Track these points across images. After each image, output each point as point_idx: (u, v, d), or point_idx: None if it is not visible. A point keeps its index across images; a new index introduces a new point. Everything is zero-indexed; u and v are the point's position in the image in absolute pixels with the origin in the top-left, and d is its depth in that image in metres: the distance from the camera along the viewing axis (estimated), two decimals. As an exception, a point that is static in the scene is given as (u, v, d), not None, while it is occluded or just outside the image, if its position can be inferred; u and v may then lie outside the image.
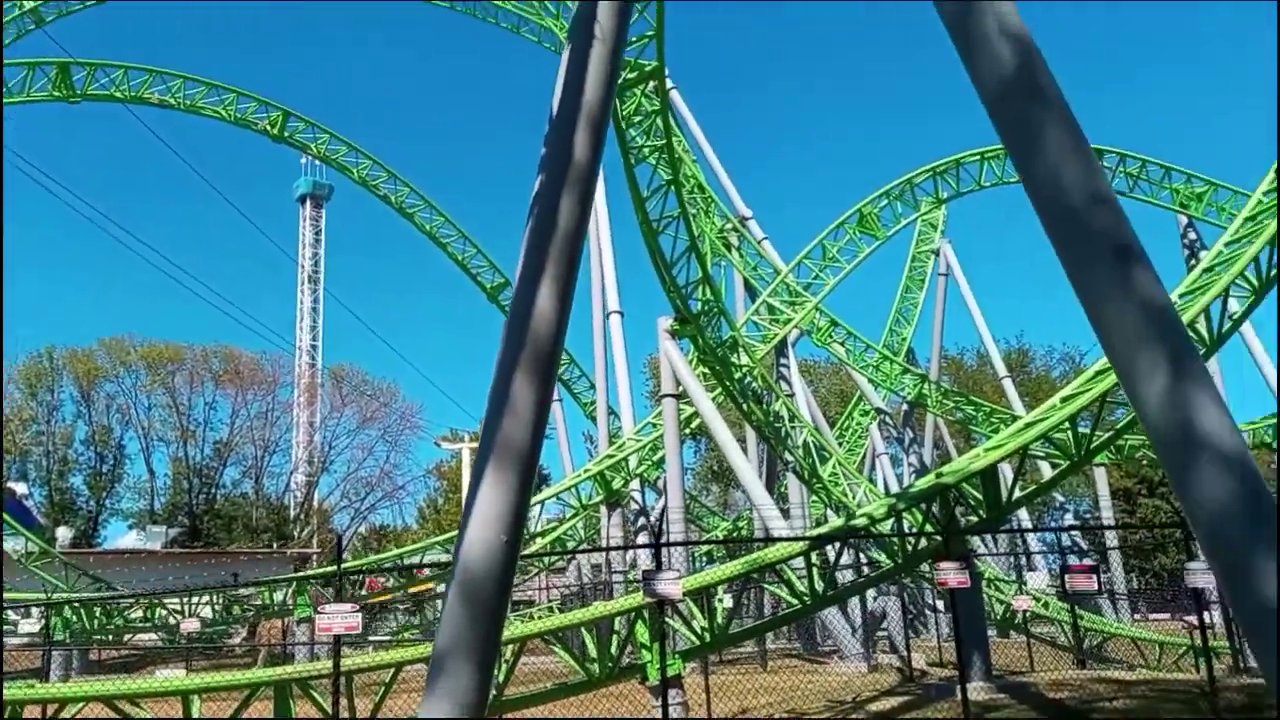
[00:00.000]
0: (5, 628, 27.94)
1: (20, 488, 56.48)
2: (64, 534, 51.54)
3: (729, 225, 33.32)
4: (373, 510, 65.49)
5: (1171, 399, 5.46)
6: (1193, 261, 32.11)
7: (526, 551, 28.97)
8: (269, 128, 33.64)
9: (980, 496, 14.71)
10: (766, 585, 15.12)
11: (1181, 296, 19.37)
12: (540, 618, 22.48)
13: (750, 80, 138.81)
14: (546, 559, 31.21)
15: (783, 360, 31.67)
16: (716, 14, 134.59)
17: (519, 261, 6.85)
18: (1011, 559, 35.50)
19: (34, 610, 29.93)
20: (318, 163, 46.46)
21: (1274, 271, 19.03)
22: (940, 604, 29.18)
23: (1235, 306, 19.55)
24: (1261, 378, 32.36)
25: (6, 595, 27.63)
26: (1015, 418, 29.59)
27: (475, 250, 40.03)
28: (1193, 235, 33.58)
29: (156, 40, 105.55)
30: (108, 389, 63.45)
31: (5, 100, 27.50)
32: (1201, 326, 18.04)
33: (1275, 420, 34.15)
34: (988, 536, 30.14)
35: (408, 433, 65.86)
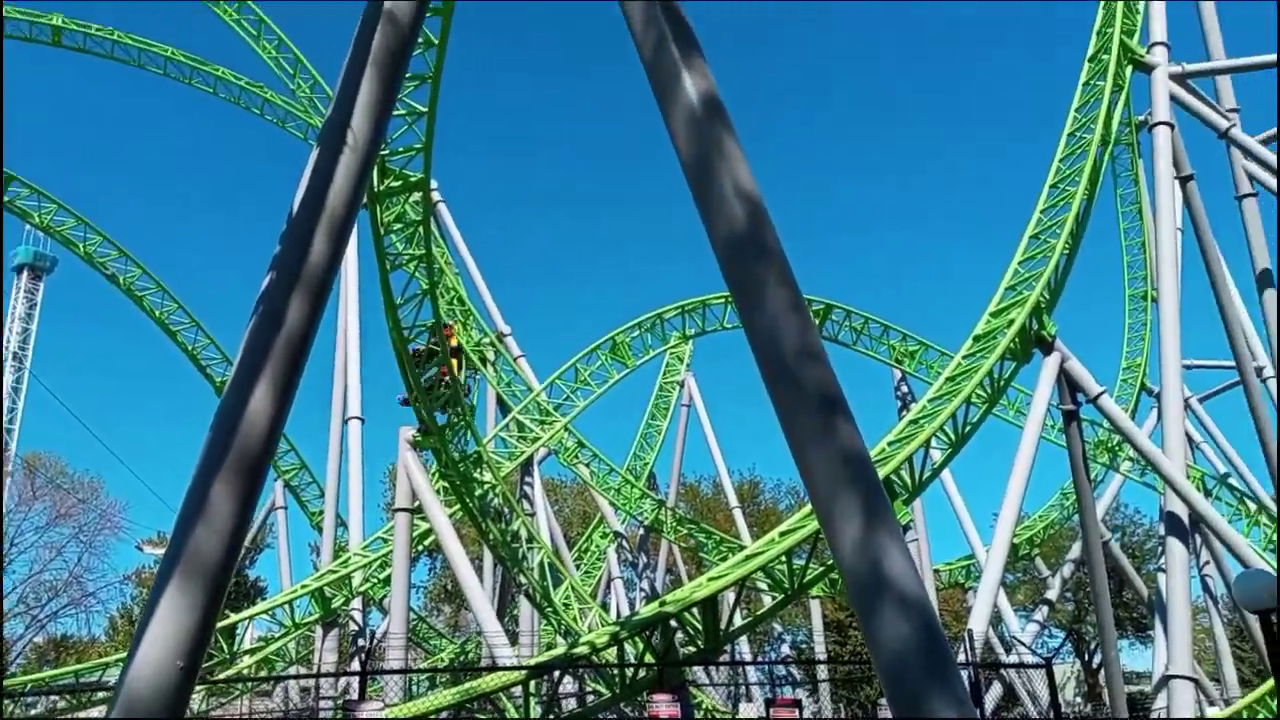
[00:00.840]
0: None
1: None
2: None
3: (486, 339, 33.34)
4: (54, 618, 57.92)
5: (862, 543, 5.85)
6: (904, 412, 35.33)
7: (228, 673, 26.49)
8: (-13, 192, 30.52)
9: (700, 625, 15.05)
10: (479, 717, 14.58)
11: (890, 444, 21.12)
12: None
13: (518, 202, 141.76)
14: (251, 682, 28.63)
15: (527, 478, 31.58)
16: (493, 137, 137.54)
17: (236, 359, 6.46)
18: (730, 690, 36.37)
19: None
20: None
21: (968, 428, 21.25)
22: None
23: (937, 456, 21.57)
24: (958, 523, 35.63)
25: None
26: (742, 547, 30.83)
27: (208, 341, 37.58)
28: (905, 389, 37.03)
29: None
30: None
31: None
32: (905, 474, 19.71)
33: (966, 563, 37.63)
34: (711, 666, 30.80)
35: (106, 533, 59.27)
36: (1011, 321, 21.60)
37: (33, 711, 26.65)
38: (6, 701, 23.28)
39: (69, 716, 27.42)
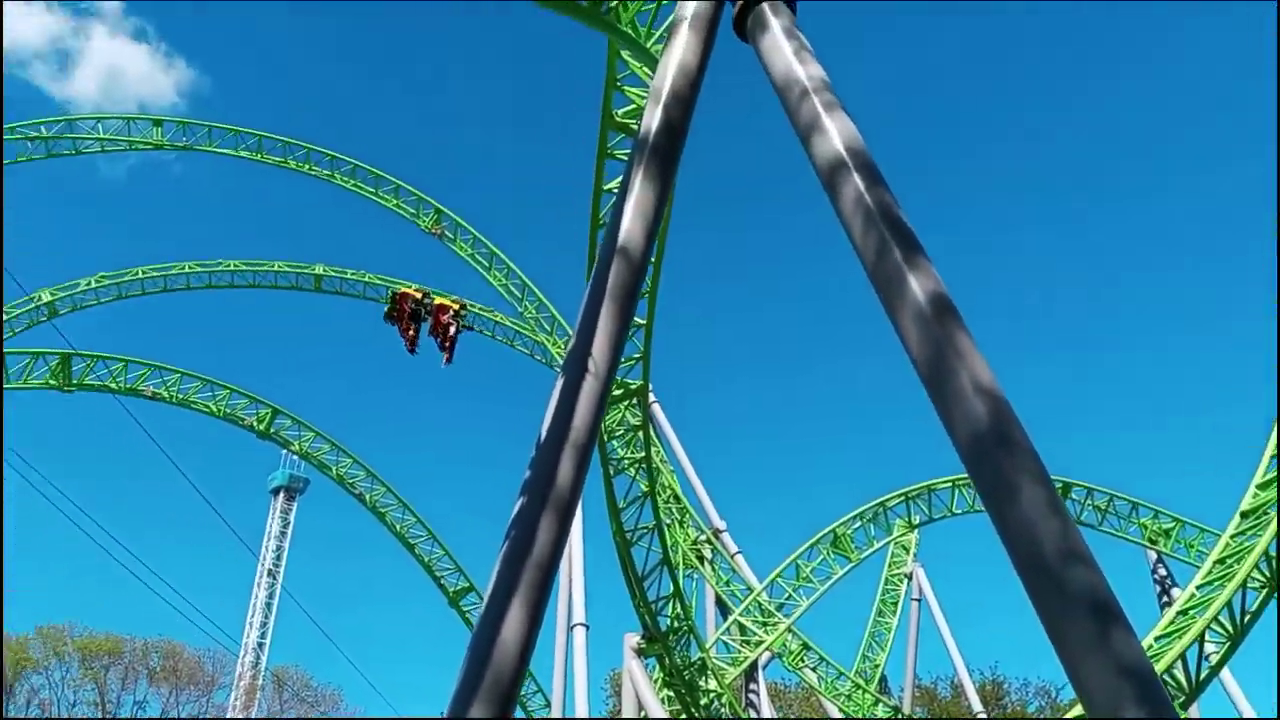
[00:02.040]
0: None
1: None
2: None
3: (703, 537, 33.19)
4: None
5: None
6: (1165, 598, 31.92)
7: None
8: (256, 424, 34.20)
9: None
10: None
11: (1158, 639, 19.11)
12: None
13: (726, 395, 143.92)
14: None
15: (752, 685, 30.38)
16: (701, 331, 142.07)
17: (489, 584, 6.70)
18: None
19: None
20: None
21: (1247, 618, 18.93)
22: None
23: (1212, 649, 19.23)
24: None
25: None
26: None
27: (443, 552, 39.43)
28: (1163, 571, 33.65)
29: (151, 332, 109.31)
30: (35, 681, 59.50)
31: (8, 385, 27.91)
32: (1179, 673, 17.64)
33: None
34: None
35: (347, 745, 61.44)
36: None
37: None
38: None
39: None
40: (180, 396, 32.39)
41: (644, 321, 17.48)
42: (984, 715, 39.91)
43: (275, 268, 38.75)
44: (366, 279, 38.53)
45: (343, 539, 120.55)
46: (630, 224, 7.84)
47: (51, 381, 28.97)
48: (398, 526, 38.50)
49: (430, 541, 39.27)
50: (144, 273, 37.51)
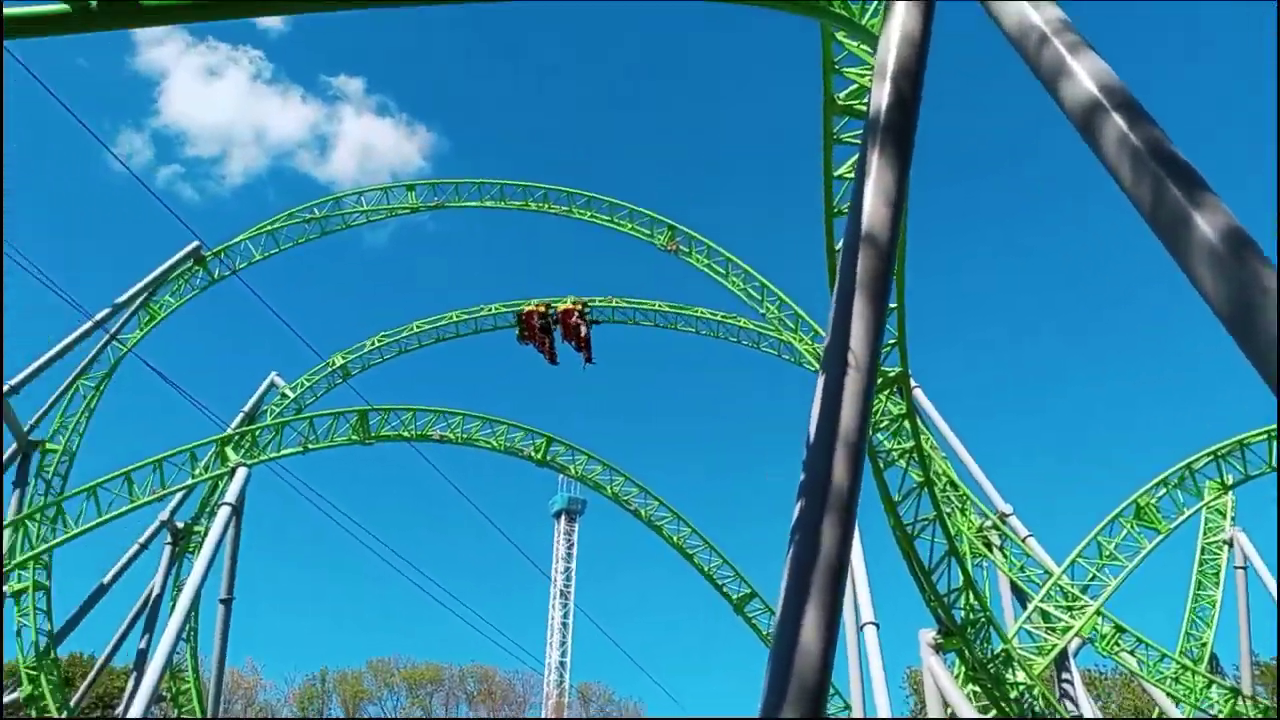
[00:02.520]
0: None
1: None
2: None
3: (988, 523, 31.61)
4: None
5: None
6: None
7: None
8: (534, 454, 36.16)
9: None
10: None
11: None
12: None
13: (993, 371, 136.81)
14: None
15: (1064, 674, 28.44)
16: (958, 314, 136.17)
17: (781, 593, 6.64)
18: None
19: None
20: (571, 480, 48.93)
21: None
22: None
23: None
24: None
25: None
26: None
27: (721, 560, 39.84)
28: None
29: (431, 379, 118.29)
30: (371, 710, 65.76)
31: (314, 445, 31.26)
32: None
33: None
34: None
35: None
36: None
37: None
38: None
39: None
40: (464, 436, 34.82)
41: (894, 305, 16.90)
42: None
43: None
44: (615, 303, 39.92)
45: (625, 555, 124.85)
46: (872, 208, 7.58)
47: (354, 436, 31.99)
48: (675, 538, 39.29)
49: (708, 551, 39.79)
50: (419, 327, 41.25)
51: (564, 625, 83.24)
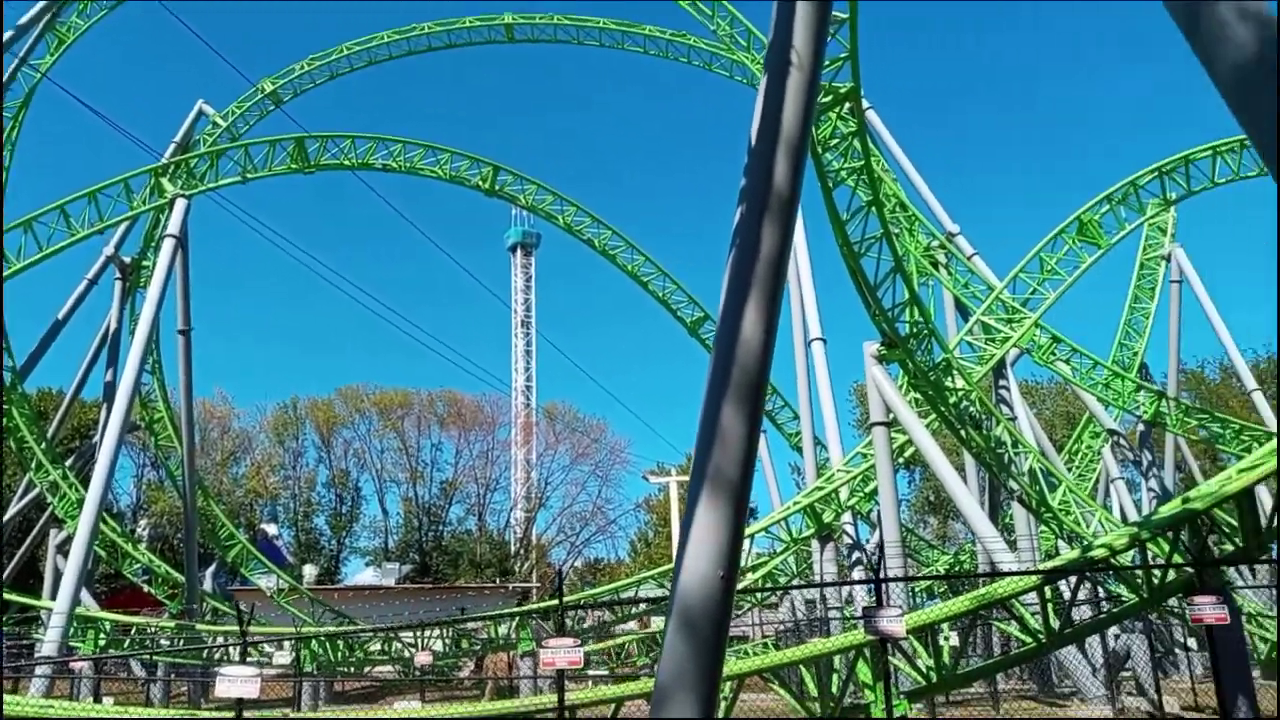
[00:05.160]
0: (260, 659, 30.43)
1: (271, 529, 61.83)
2: (310, 571, 55.98)
3: (935, 243, 32.20)
4: (587, 544, 67.27)
5: None
6: None
7: (739, 586, 28.68)
8: (481, 183, 35.50)
9: (1235, 523, 13.29)
10: (996, 622, 14.27)
11: None
12: (757, 654, 22.20)
13: (950, 89, 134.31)
14: (759, 594, 30.83)
15: (1002, 382, 30.09)
16: (914, 30, 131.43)
17: (722, 293, 6.81)
18: (1274, 592, 31.90)
19: (285, 643, 32.42)
20: (525, 214, 48.64)
21: None
22: (1192, 642, 26.62)
23: None
24: None
25: (262, 629, 30.07)
26: (1270, 435, 26.74)
27: (675, 286, 40.59)
28: None
29: (378, 112, 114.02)
30: (345, 435, 68.54)
31: (253, 175, 30.43)
32: None
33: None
34: (1244, 568, 27.21)
35: (617, 468, 67.58)
36: None
37: (585, 624, 31.10)
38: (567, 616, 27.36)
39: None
40: (408, 164, 33.93)
41: (846, 16, 16.21)
42: (1257, 390, 37.81)
43: (467, 24, 39.20)
44: (556, 21, 37.97)
45: (583, 284, 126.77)
46: (822, -110, 7.07)
47: (293, 165, 31.04)
48: (629, 266, 39.76)
49: (662, 278, 40.44)
50: (349, 49, 39.25)
51: (527, 352, 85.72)
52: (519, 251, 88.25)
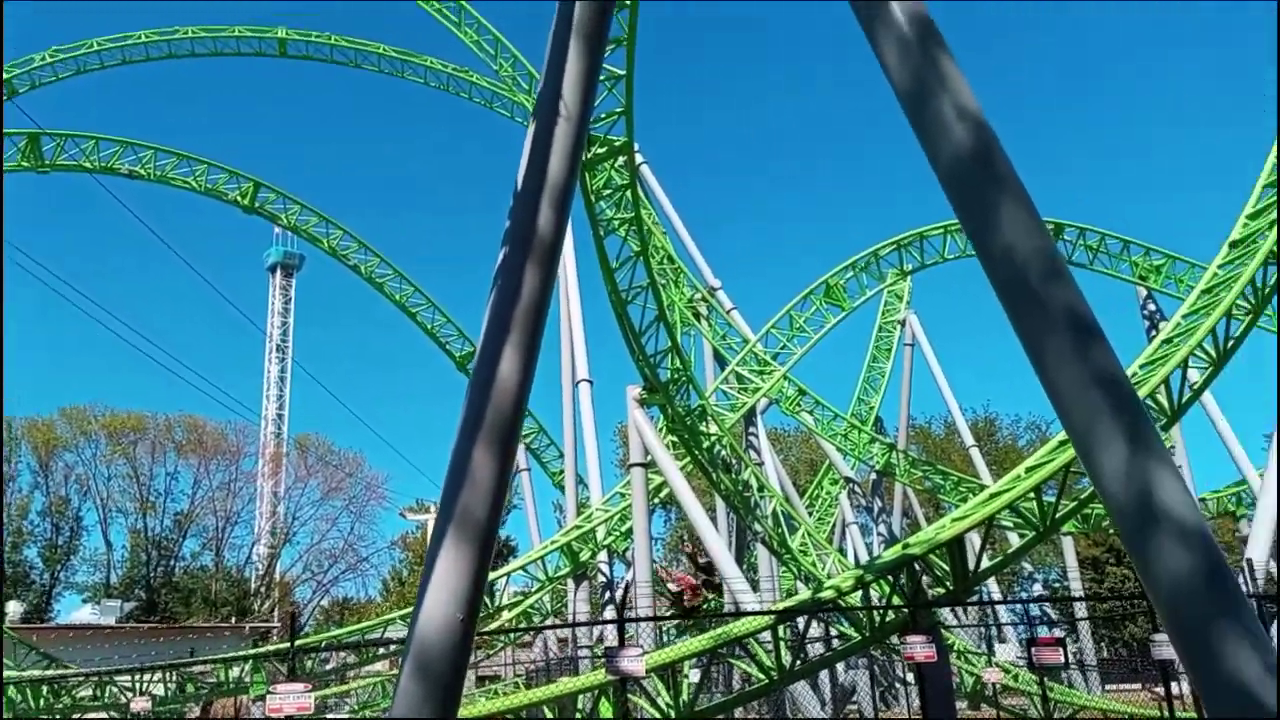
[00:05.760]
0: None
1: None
2: (14, 608, 50.05)
3: (698, 295, 33.63)
4: (335, 583, 64.30)
5: (1128, 472, 5.48)
6: (1153, 333, 32.67)
7: (491, 626, 28.39)
8: (240, 198, 33.64)
9: (947, 567, 14.66)
10: (734, 660, 14.91)
11: (1142, 367, 19.64)
12: (507, 694, 21.99)
13: (720, 153, 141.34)
14: (513, 634, 30.60)
15: (751, 429, 31.72)
16: (688, 94, 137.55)
17: (481, 332, 6.84)
18: (981, 630, 35.27)
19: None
20: (289, 233, 46.47)
21: (1230, 344, 19.38)
22: (910, 676, 28.89)
23: (1195, 376, 19.84)
24: (1224, 447, 32.72)
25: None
26: (982, 487, 29.70)
27: (445, 319, 40.03)
28: (1152, 307, 34.24)
29: (129, 116, 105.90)
30: (67, 459, 62.21)
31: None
32: (1162, 397, 18.26)
33: (1235, 489, 34.60)
34: (957, 608, 29.97)
35: (373, 504, 65.11)
36: (1274, 222, 19.43)
37: (327, 666, 29.65)
38: (306, 658, 25.98)
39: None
40: (158, 173, 31.61)
41: (623, 72, 16.80)
42: (974, 447, 41.88)
43: (236, 33, 36.95)
44: (334, 41, 36.85)
45: (349, 311, 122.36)
46: (598, -47, 7.36)
47: (24, 163, 28.20)
48: (397, 296, 38.84)
49: (431, 309, 39.78)
50: (100, 44, 35.36)
51: (281, 379, 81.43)
52: (279, 272, 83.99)
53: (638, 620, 13.64)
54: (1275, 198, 20.66)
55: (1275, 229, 19.43)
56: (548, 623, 30.58)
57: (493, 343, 6.64)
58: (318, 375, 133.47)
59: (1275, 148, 21.26)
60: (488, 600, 28.12)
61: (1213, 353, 19.25)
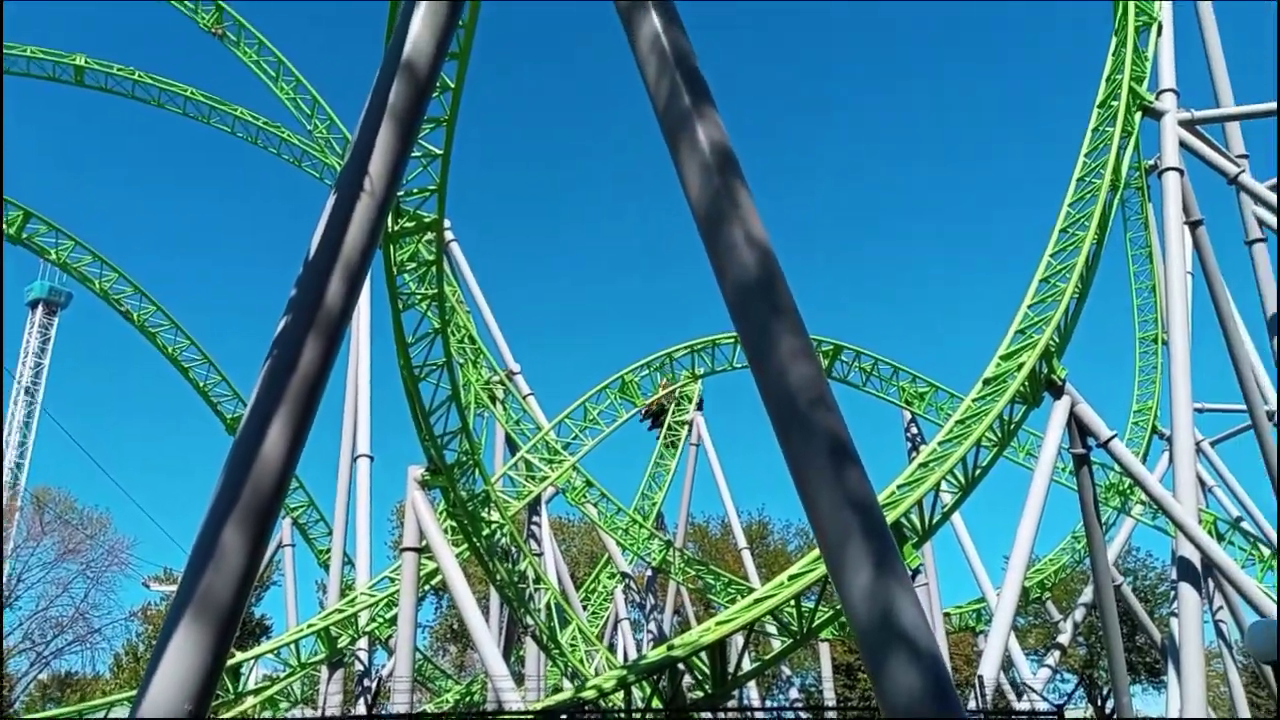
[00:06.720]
0: None
1: None
2: None
3: (495, 378, 33.41)
4: (60, 655, 57.72)
5: (873, 593, 5.83)
6: (914, 454, 35.11)
7: (230, 714, 26.27)
8: (6, 228, 30.85)
9: (708, 670, 14.94)
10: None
11: (900, 488, 21.00)
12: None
13: (529, 239, 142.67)
14: (256, 722, 28.42)
15: (535, 518, 31.48)
16: (504, 175, 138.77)
17: (250, 402, 6.51)
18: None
19: None
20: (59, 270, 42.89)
21: (978, 472, 21.13)
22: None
23: (947, 499, 21.44)
24: (968, 566, 35.32)
25: None
26: (751, 589, 30.60)
27: (219, 378, 37.72)
28: (915, 430, 36.85)
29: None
30: None
31: None
32: (915, 517, 19.59)
33: (976, 606, 37.39)
34: (719, 711, 30.36)
35: (114, 569, 59.21)
36: (1021, 365, 21.56)
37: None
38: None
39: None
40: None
41: (441, 151, 16.83)
42: (746, 549, 43.19)
43: (28, 53, 34.34)
44: (137, 77, 34.94)
45: (119, 359, 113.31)
46: (419, 35, 7.42)
47: None
48: (169, 349, 36.37)
49: (206, 366, 37.46)
50: None
51: (25, 424, 73.89)
52: (40, 308, 77.00)
53: (391, 718, 13.01)
54: (1024, 343, 22.97)
55: (1022, 370, 21.53)
56: (294, 713, 28.60)
57: (260, 414, 6.34)
58: (70, 425, 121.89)
59: (1024, 302, 23.71)
60: (231, 685, 26.06)
61: (962, 479, 20.91)
